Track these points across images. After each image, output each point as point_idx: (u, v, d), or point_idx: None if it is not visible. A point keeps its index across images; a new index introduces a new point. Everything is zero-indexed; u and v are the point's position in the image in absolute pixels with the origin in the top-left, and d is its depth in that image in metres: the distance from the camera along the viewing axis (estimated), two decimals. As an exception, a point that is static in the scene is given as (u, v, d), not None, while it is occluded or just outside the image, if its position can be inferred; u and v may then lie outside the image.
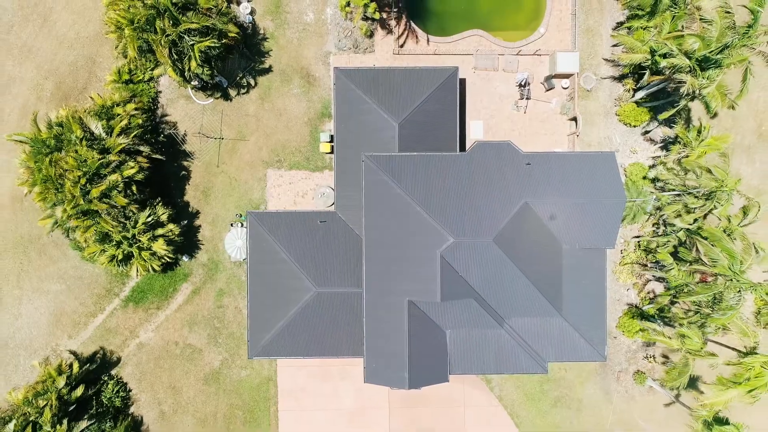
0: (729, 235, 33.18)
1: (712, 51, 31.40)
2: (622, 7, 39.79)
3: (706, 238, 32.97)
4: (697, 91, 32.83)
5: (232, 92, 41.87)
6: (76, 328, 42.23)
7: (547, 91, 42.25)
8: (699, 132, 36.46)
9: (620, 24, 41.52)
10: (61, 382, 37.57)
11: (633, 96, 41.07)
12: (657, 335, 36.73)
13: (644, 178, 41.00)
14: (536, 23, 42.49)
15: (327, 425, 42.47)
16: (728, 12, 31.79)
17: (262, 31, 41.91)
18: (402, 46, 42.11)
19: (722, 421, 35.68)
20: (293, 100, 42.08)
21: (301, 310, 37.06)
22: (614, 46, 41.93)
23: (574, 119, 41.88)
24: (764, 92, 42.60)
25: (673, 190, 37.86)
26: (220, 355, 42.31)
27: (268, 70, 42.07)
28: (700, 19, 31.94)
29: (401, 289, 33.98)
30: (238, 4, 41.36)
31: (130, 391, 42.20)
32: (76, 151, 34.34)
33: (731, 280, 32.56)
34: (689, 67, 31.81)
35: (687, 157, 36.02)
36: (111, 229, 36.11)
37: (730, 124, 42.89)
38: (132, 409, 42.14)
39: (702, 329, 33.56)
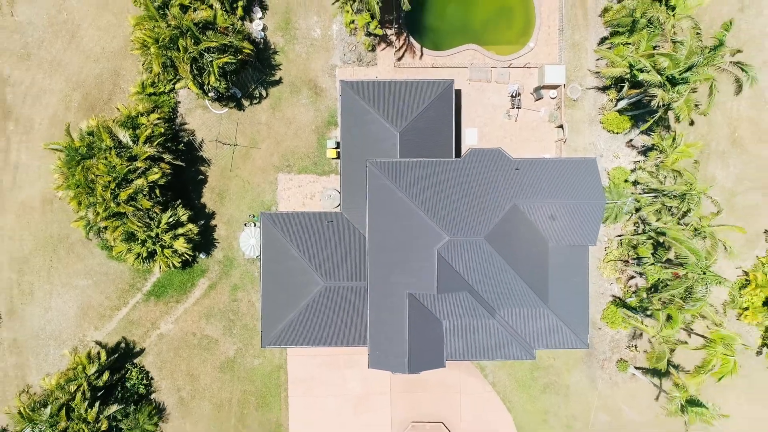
0: (698, 234, 36.59)
1: (680, 70, 34.86)
2: (605, 24, 43.23)
3: (676, 238, 36.42)
4: (668, 104, 36.23)
5: (246, 102, 45.35)
6: (101, 320, 45.73)
7: (536, 101, 45.71)
8: (673, 140, 39.92)
9: (604, 39, 44.98)
10: (92, 369, 41.07)
11: (615, 105, 44.52)
12: (636, 323, 40.18)
13: (626, 181, 44.46)
14: (526, 38, 45.95)
15: (334, 410, 45.93)
16: (698, 33, 35.23)
17: (273, 46, 45.39)
18: (402, 59, 45.57)
19: (695, 403, 39.10)
20: (302, 110, 45.56)
21: (310, 302, 40.51)
22: (598, 59, 45.39)
23: (561, 127, 45.33)
24: (737, 102, 46.02)
25: (651, 192, 41.33)
26: (235, 345, 45.80)
27: (279, 81, 45.55)
28: (672, 40, 35.33)
29: (402, 283, 37.47)
30: (251, 21, 44.84)
31: (151, 378, 45.70)
32: (106, 159, 37.83)
33: (699, 275, 35.97)
34: (660, 82, 35.27)
35: (663, 162, 39.46)
36: (137, 229, 39.62)
37: (705, 130, 46.36)
38: (154, 395, 45.63)
39: (675, 320, 36.99)
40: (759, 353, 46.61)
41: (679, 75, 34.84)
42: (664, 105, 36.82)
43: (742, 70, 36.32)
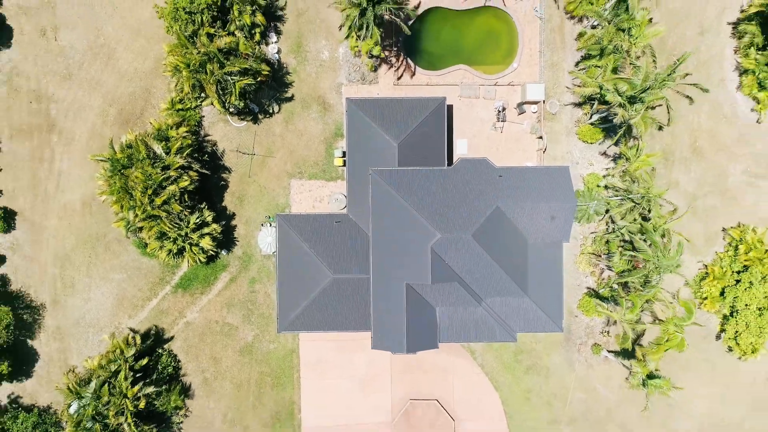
0: (656, 231, 42.52)
1: (637, 92, 40.73)
2: (578, 49, 49.16)
3: (634, 234, 42.28)
4: (628, 120, 42.10)
5: (262, 116, 51.25)
6: (134, 309, 51.64)
7: (519, 114, 51.61)
8: (637, 150, 45.82)
9: (579, 61, 50.85)
10: (129, 352, 46.92)
11: (589, 119, 50.40)
12: (604, 310, 46.13)
13: (598, 185, 50.35)
14: (510, 59, 51.85)
15: (341, 389, 51.76)
16: (654, 60, 41.12)
17: (286, 67, 51.29)
18: (400, 78, 51.45)
19: (654, 377, 44.99)
20: (312, 123, 51.48)
21: (320, 293, 46.40)
22: (574, 78, 51.26)
23: (542, 137, 51.22)
24: (696, 115, 51.85)
25: (619, 195, 47.24)
26: (253, 332, 51.68)
27: (291, 98, 51.46)
28: (632, 64, 41.19)
29: (400, 275, 43.35)
30: (267, 44, 50.74)
31: (179, 361, 51.58)
32: (144, 168, 43.72)
33: (654, 265, 41.89)
34: (620, 102, 41.16)
35: (627, 169, 45.35)
36: (169, 228, 45.49)
37: (669, 140, 52.21)
38: (181, 376, 51.49)
39: (635, 305, 42.88)
40: (718, 338, 52.51)
41: (637, 96, 40.71)
42: (623, 122, 42.70)
43: (700, 88, 42.21)
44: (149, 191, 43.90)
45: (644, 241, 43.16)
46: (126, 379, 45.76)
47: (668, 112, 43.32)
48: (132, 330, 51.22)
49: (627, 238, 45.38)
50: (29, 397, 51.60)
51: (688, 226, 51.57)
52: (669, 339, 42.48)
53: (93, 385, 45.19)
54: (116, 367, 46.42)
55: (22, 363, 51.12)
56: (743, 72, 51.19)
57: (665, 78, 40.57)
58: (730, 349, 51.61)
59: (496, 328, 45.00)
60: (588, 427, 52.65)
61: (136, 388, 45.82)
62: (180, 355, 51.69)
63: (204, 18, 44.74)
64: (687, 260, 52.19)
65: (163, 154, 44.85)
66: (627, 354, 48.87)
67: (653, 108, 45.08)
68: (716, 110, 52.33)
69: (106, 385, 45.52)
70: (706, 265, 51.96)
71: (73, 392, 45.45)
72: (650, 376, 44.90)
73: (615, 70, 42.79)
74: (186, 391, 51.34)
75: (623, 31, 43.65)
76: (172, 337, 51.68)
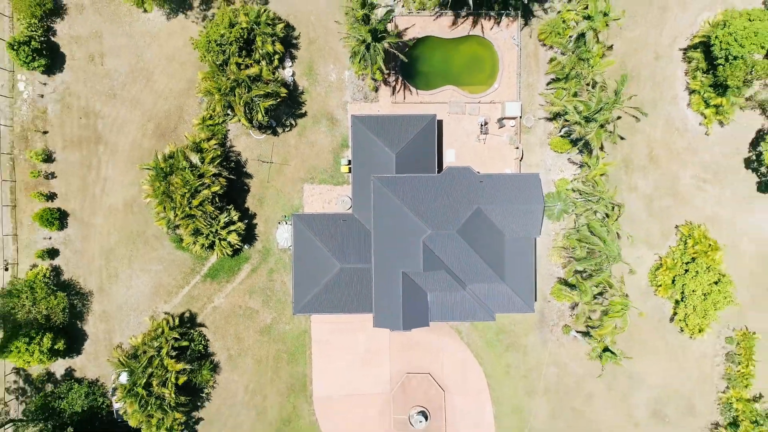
0: (603, 227, 51.10)
1: (590, 113, 49.24)
2: (547, 73, 57.71)
3: (591, 231, 50.87)
4: (584, 135, 50.59)
5: (279, 130, 59.73)
6: (169, 296, 60.11)
7: (500, 128, 60.11)
8: (597, 159, 54.34)
9: (550, 82, 59.36)
10: (171, 334, 55.34)
11: (559, 132, 58.89)
12: (567, 294, 54.67)
13: (567, 189, 58.85)
14: (492, 81, 60.35)
15: (347, 364, 60.18)
16: (603, 87, 49.64)
17: (300, 87, 59.79)
18: (398, 97, 59.94)
19: (608, 350, 53.54)
20: (321, 136, 59.99)
21: (330, 280, 54.84)
22: (545, 98, 59.75)
23: (519, 148, 59.71)
24: (653, 129, 60.34)
25: (582, 197, 55.77)
26: (271, 315, 60.15)
27: (304, 114, 59.95)
28: (588, 90, 49.65)
29: (397, 264, 51.84)
30: (284, 69, 59.24)
31: (208, 340, 60.03)
32: (183, 175, 52.22)
33: (604, 255, 50.48)
34: (577, 120, 49.65)
35: (587, 175, 53.88)
36: (203, 226, 54.00)
37: (629, 150, 60.70)
38: (210, 354, 59.94)
39: (588, 290, 51.45)
40: (671, 320, 61.00)
41: (591, 116, 49.20)
42: (582, 137, 51.23)
43: (640, 111, 50.69)
44: (187, 195, 52.39)
45: (596, 236, 51.72)
46: (168, 355, 54.26)
47: (614, 130, 51.87)
48: (167, 314, 59.65)
49: (586, 233, 53.91)
50: (80, 371, 60.10)
51: (647, 223, 60.42)
52: (613, 315, 51.01)
53: (143, 359, 53.62)
54: (159, 344, 54.90)
55: (73, 342, 59.60)
56: (692, 91, 59.69)
57: (614, 101, 49.11)
58: (681, 330, 60.07)
59: (478, 310, 53.52)
60: (559, 397, 61.11)
61: (179, 365, 54.33)
62: (208, 335, 60.16)
63: (233, 49, 53.24)
64: (645, 253, 60.87)
65: (199, 164, 53.37)
66: (590, 334, 57.32)
67: (608, 123, 53.49)
68: (670, 124, 60.86)
69: (152, 359, 53.97)
70: (660, 257, 60.48)
71: (124, 364, 53.92)
72: (605, 349, 53.44)
73: (576, 93, 51.27)
74: (214, 366, 59.79)
75: (583, 60, 52.18)
76: (201, 319, 60.10)
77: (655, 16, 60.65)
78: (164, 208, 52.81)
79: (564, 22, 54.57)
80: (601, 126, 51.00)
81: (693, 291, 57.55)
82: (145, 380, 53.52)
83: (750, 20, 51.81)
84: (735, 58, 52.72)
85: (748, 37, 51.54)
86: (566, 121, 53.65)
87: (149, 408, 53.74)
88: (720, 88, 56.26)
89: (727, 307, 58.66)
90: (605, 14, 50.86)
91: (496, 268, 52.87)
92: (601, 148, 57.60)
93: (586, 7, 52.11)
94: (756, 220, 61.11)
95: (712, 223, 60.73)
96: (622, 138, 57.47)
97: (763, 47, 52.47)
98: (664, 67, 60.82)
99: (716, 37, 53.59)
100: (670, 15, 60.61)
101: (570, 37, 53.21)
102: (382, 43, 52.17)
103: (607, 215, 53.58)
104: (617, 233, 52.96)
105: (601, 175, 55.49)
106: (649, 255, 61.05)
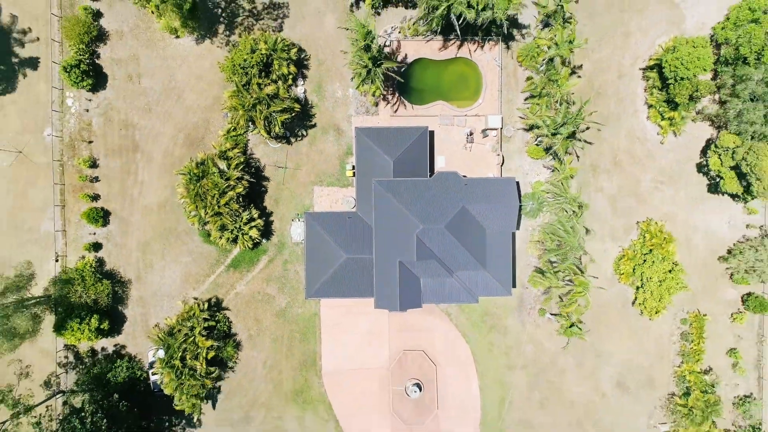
0: (567, 223, 60.39)
1: (557, 126, 58.48)
2: (522, 91, 66.98)
3: (559, 229, 60.22)
4: (551, 145, 59.87)
5: (293, 140, 68.95)
6: (197, 283, 69.32)
7: (484, 137, 69.31)
8: (563, 164, 63.55)
9: (527, 98, 68.57)
10: (201, 315, 64.56)
11: (534, 141, 68.10)
12: (540, 280, 63.92)
13: (541, 190, 68.05)
14: (477, 96, 69.55)
15: (351, 343, 69.34)
16: (568, 105, 58.88)
17: (310, 103, 69.01)
18: (395, 111, 69.15)
19: (573, 326, 62.84)
20: (329, 144, 69.22)
21: (337, 269, 64.00)
22: (526, 108, 68.98)
23: (500, 155, 68.92)
24: (617, 138, 69.51)
25: (554, 197, 65.01)
26: (286, 300, 69.37)
27: (314, 125, 69.15)
28: (554, 106, 58.91)
29: (395, 254, 61.05)
30: (296, 87, 68.46)
31: (231, 322, 69.24)
32: (213, 179, 61.46)
33: (569, 247, 59.73)
34: (545, 133, 58.84)
35: (556, 179, 63.13)
36: (228, 222, 63.22)
37: (596, 156, 69.90)
38: (233, 334, 69.16)
39: (554, 276, 60.68)
40: (633, 304, 70.17)
41: (557, 129, 58.46)
42: (550, 146, 60.53)
43: (598, 125, 59.92)
44: (216, 195, 61.64)
45: (562, 230, 61.03)
46: (200, 333, 63.54)
47: (581, 140, 61.23)
48: (195, 299, 68.89)
49: (555, 227, 63.20)
50: (120, 348, 69.32)
51: (612, 220, 69.68)
52: (576, 294, 60.38)
53: (178, 336, 62.85)
54: (191, 324, 64.15)
55: (114, 323, 68.81)
56: (650, 106, 68.91)
57: (575, 117, 58.38)
58: (641, 313, 69.31)
59: (463, 293, 62.78)
60: (536, 372, 70.30)
61: (208, 342, 63.61)
62: (232, 317, 69.38)
63: (254, 71, 62.48)
64: (610, 246, 70.12)
65: (225, 169, 62.64)
66: (562, 315, 66.57)
67: (574, 134, 62.73)
68: (631, 134, 70.06)
69: (186, 337, 63.22)
70: (623, 249, 69.69)
71: (162, 341, 63.15)
72: (571, 325, 62.73)
73: (546, 108, 60.59)
74: (237, 344, 69.01)
75: (552, 81, 61.45)
76: (226, 304, 69.33)
77: (619, 40, 69.88)
78: (196, 207, 61.99)
79: (538, 47, 63.84)
80: (568, 137, 60.21)
81: (650, 278, 66.80)
82: (180, 354, 62.74)
83: (694, 47, 61.02)
84: (682, 78, 61.93)
85: (692, 61, 60.77)
86: (539, 132, 62.89)
87: (183, 377, 62.96)
88: (672, 103, 65.50)
89: (681, 292, 68.09)
90: (570, 42, 60.04)
91: (479, 258, 62.10)
92: (572, 154, 66.99)
93: (556, 35, 61.35)
94: (706, 218, 70.36)
95: (668, 220, 69.99)
96: (589, 143, 66.76)
97: (705, 70, 61.70)
98: (627, 85, 70.04)
99: (666, 60, 62.84)
100: (632, 39, 69.85)
101: (543, 60, 62.43)
102: (381, 67, 61.37)
103: (574, 212, 62.81)
104: (584, 228, 62.22)
105: (570, 177, 64.72)
106: (614, 247, 70.29)
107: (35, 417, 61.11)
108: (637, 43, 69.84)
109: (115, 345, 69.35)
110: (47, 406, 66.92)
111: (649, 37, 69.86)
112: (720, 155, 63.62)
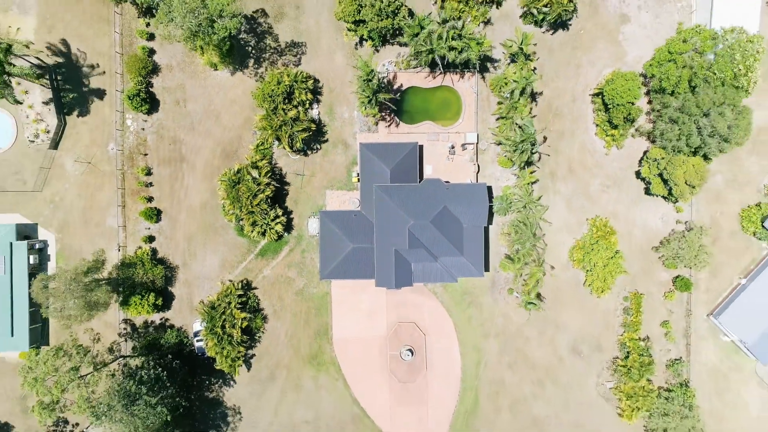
0: (527, 219, 76.95)
1: (516, 144, 75.04)
2: (493, 114, 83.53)
3: (521, 224, 76.85)
4: (512, 157, 76.46)
5: (309, 152, 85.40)
6: (232, 268, 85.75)
7: (463, 150, 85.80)
8: (525, 173, 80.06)
9: (497, 119, 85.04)
10: (236, 293, 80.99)
11: (503, 154, 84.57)
12: (508, 265, 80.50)
13: (509, 193, 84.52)
14: (457, 117, 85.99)
15: (356, 316, 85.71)
16: (526, 126, 75.60)
17: (323, 122, 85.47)
18: (392, 129, 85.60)
19: (532, 302, 79.51)
20: (338, 156, 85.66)
21: (345, 255, 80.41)
22: (496, 128, 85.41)
23: (477, 164, 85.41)
24: (572, 150, 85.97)
25: (517, 198, 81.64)
26: (303, 281, 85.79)
27: (326, 141, 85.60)
28: (515, 127, 75.52)
29: (391, 244, 77.57)
30: (312, 109, 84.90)
31: (259, 299, 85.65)
32: (247, 184, 77.91)
33: (527, 237, 76.39)
34: (507, 149, 75.37)
35: (518, 184, 79.69)
36: (259, 219, 79.63)
37: (555, 165, 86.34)
38: (260, 309, 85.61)
39: (517, 261, 77.31)
40: (584, 284, 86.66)
41: (516, 146, 75.04)
42: (512, 158, 77.11)
43: (548, 145, 76.57)
44: (250, 197, 78.11)
45: (523, 224, 77.68)
46: (236, 308, 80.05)
47: (534, 152, 78.03)
48: (230, 281, 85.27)
49: (518, 222, 79.83)
50: (170, 321, 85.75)
51: (567, 217, 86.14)
52: (532, 277, 77.14)
53: (219, 309, 79.30)
54: (228, 300, 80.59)
55: (165, 300, 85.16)
56: (597, 124, 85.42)
57: (529, 137, 74.99)
58: (591, 292, 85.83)
59: (446, 275, 79.30)
60: (505, 339, 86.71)
61: (242, 315, 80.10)
62: (260, 295, 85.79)
63: (279, 99, 78.92)
64: (566, 238, 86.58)
65: (257, 176, 79.13)
66: (524, 293, 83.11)
67: (532, 150, 79.32)
68: (583, 147, 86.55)
69: (225, 310, 79.71)
70: (576, 240, 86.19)
71: (207, 313, 79.57)
72: (529, 301, 79.47)
73: (509, 129, 77.17)
74: (264, 317, 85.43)
75: (515, 107, 78.04)
76: (255, 285, 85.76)
77: (572, 72, 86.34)
78: (234, 206, 78.45)
79: (505, 79, 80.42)
80: (524, 151, 76.86)
81: (596, 264, 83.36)
82: (220, 324, 79.16)
83: (626, 80, 77.55)
84: (617, 105, 78.49)
85: (624, 91, 77.30)
86: (503, 148, 79.55)
87: (223, 342, 79.36)
88: (613, 123, 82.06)
89: (621, 275, 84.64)
90: (527, 78, 76.62)
91: (457, 247, 78.61)
92: (533, 164, 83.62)
93: (517, 71, 77.96)
94: (643, 215, 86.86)
95: (613, 217, 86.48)
96: (547, 155, 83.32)
97: (635, 98, 78.18)
98: (579, 107, 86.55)
99: (606, 90, 79.43)
100: (582, 71, 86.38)
101: (507, 91, 79.01)
102: (380, 95, 77.91)
103: (531, 210, 79.40)
104: (540, 223, 78.96)
105: (531, 183, 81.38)
106: (569, 239, 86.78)
107: (109, 371, 77.43)
108: (587, 73, 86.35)
109: (161, 318, 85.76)
110: (112, 368, 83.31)
111: (596, 68, 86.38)
112: (650, 165, 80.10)
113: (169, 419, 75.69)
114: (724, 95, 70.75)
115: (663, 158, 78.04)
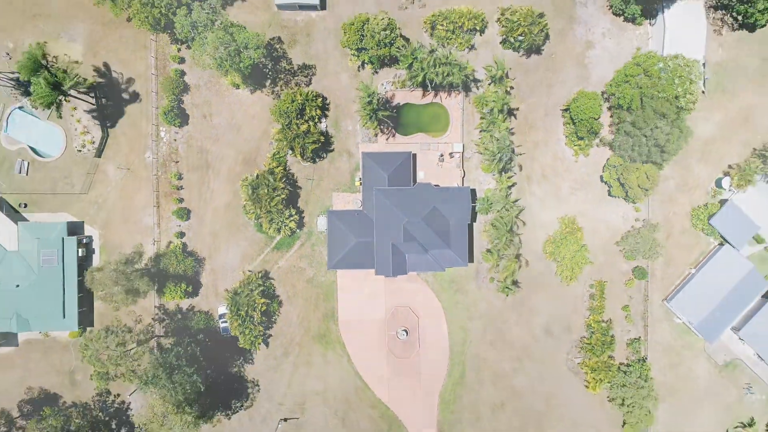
0: (503, 217, 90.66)
1: (493, 155, 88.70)
2: (476, 127, 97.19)
3: (499, 221, 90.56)
4: (491, 165, 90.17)
5: (318, 160, 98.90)
6: (251, 260, 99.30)
7: (451, 158, 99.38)
8: (503, 178, 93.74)
9: (480, 131, 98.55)
10: (256, 281, 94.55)
11: (485, 161, 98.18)
12: (488, 257, 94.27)
13: (490, 195, 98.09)
14: (446, 129, 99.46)
15: (358, 301, 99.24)
16: (504, 138, 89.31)
17: (330, 134, 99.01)
18: (389, 140, 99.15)
19: (509, 286, 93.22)
20: (343, 163, 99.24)
21: (350, 248, 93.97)
22: (479, 139, 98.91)
23: (463, 170, 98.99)
24: (545, 157, 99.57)
25: (497, 199, 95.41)
26: (313, 271, 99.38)
27: (332, 150, 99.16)
28: (493, 140, 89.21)
29: (389, 238, 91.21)
30: (320, 123, 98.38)
31: (275, 287, 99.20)
32: (267, 188, 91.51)
33: (503, 232, 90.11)
34: (486, 159, 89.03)
35: (496, 187, 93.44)
36: (275, 218, 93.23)
37: (531, 171, 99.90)
38: (276, 295, 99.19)
39: (495, 253, 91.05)
40: (555, 273, 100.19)
41: (494, 155, 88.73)
42: (491, 166, 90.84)
43: (519, 157, 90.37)
44: (268, 199, 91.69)
45: (501, 222, 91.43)
46: (257, 294, 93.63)
47: (512, 160, 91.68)
48: (250, 271, 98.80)
49: (496, 220, 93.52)
50: (197, 306, 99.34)
51: (541, 215, 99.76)
52: (507, 268, 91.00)
53: (243, 295, 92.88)
54: (250, 287, 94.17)
55: (194, 288, 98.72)
56: (566, 135, 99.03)
57: (506, 148, 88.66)
58: (561, 280, 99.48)
59: (435, 264, 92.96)
60: (488, 321, 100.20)
61: (261, 300, 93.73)
62: (275, 284, 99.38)
63: (293, 115, 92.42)
64: (540, 234, 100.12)
65: (273, 181, 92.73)
66: (501, 281, 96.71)
67: (507, 160, 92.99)
68: (555, 155, 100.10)
69: (247, 296, 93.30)
70: (548, 236, 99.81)
71: (231, 298, 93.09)
72: (506, 286, 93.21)
73: (488, 140, 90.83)
74: (279, 302, 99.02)
75: (493, 123, 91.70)
76: (271, 275, 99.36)
77: (545, 90, 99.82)
78: (254, 207, 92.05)
79: (485, 98, 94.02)
80: (500, 160, 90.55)
81: (565, 256, 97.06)
82: (244, 308, 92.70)
83: (588, 99, 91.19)
84: (581, 119, 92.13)
85: (587, 109, 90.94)
86: (483, 158, 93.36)
87: (245, 324, 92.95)
88: (578, 135, 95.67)
89: (587, 266, 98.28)
90: (503, 100, 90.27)
91: (445, 241, 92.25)
92: (509, 170, 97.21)
93: (496, 91, 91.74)
94: (607, 214, 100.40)
95: (581, 215, 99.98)
96: (521, 164, 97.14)
97: (597, 114, 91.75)
98: (551, 121, 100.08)
99: (571, 107, 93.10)
100: (553, 89, 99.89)
101: (487, 109, 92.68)
102: (380, 113, 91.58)
103: (507, 210, 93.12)
104: (515, 220, 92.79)
105: (509, 186, 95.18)
106: (543, 234, 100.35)
107: (150, 347, 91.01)
108: (558, 92, 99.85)
109: (188, 305, 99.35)
110: (151, 344, 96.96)
111: (566, 87, 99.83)
112: (610, 171, 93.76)
113: (202, 389, 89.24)
114: (662, 111, 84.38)
115: (620, 165, 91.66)
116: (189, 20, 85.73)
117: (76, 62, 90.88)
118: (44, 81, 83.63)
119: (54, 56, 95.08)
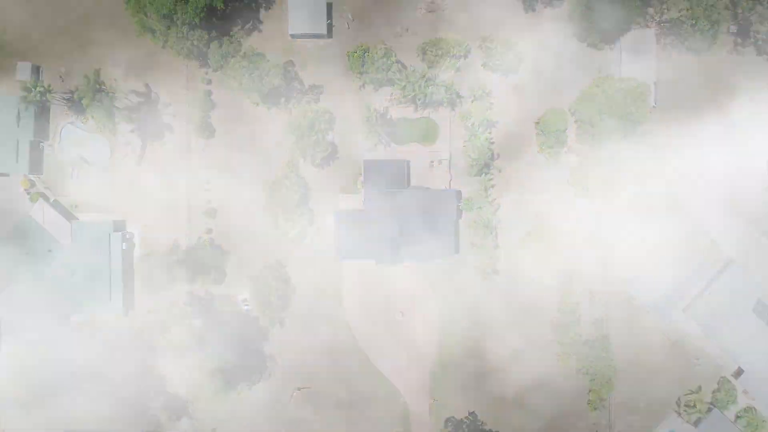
0: (486, 216, 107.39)
1: (474, 161, 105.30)
2: (462, 138, 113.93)
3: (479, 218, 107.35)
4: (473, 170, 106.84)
5: (327, 166, 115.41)
6: (271, 253, 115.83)
7: (440, 164, 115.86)
8: (485, 180, 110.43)
9: (466, 140, 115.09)
10: (276, 271, 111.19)
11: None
12: (472, 248, 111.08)
13: (473, 195, 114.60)
14: (435, 139, 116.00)
15: (362, 287, 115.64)
16: (486, 150, 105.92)
17: (337, 144, 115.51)
18: (387, 149, 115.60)
19: (491, 273, 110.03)
20: (348, 169, 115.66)
21: (354, 241, 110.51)
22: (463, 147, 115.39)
23: (450, 174, 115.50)
24: (522, 163, 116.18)
25: (481, 200, 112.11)
26: (321, 262, 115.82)
27: (338, 157, 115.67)
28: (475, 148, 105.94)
29: (387, 233, 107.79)
30: (328, 135, 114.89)
31: (289, 276, 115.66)
32: (282, 190, 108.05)
33: (483, 229, 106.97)
34: (469, 164, 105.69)
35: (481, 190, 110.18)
36: (290, 216, 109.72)
37: (512, 175, 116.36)
38: (292, 282, 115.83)
39: (481, 244, 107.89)
40: (532, 263, 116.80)
41: (476, 162, 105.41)
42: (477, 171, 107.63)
43: (498, 169, 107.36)
44: (284, 199, 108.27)
45: (480, 218, 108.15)
46: (275, 281, 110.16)
47: (497, 169, 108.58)
48: (269, 261, 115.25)
49: (479, 218, 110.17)
50: (224, 288, 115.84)
51: (518, 211, 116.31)
52: (489, 256, 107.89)
53: (263, 281, 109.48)
54: (271, 275, 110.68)
55: (220, 276, 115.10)
56: (539, 144, 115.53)
57: (483, 156, 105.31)
58: (535, 270, 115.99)
59: (428, 255, 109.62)
60: (475, 304, 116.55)
61: (280, 286, 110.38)
62: (289, 271, 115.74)
63: (305, 128, 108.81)
64: (518, 227, 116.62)
65: (290, 184, 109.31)
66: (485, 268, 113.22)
67: (487, 166, 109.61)
68: (529, 162, 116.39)
69: (266, 282, 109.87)
70: (526, 229, 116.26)
71: (253, 284, 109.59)
72: (488, 273, 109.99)
73: (471, 148, 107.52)
74: (293, 289, 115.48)
75: (475, 135, 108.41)
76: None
77: (521, 106, 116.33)
78: (272, 206, 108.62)
79: (469, 113, 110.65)
80: (481, 166, 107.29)
81: (538, 247, 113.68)
82: (265, 292, 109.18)
83: (555, 115, 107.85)
84: (550, 132, 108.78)
85: (554, 122, 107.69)
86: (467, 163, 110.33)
87: (265, 306, 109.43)
88: (547, 144, 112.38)
89: (557, 255, 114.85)
90: (483, 115, 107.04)
91: (435, 234, 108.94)
92: (488, 174, 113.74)
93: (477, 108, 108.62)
94: (577, 211, 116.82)
95: (551, 212, 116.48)
96: (499, 169, 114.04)
97: (564, 126, 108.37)
98: (527, 132, 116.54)
99: (541, 121, 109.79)
100: (528, 105, 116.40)
101: (470, 123, 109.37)
102: (378, 128, 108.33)
103: (481, 208, 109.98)
104: (492, 217, 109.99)
105: (488, 188, 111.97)
106: (520, 228, 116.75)
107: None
108: (531, 107, 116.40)
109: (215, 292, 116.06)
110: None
111: (540, 103, 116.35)
112: (575, 175, 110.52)
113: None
114: (618, 125, 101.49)
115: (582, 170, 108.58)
116: (220, 52, 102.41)
117: (116, 79, 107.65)
118: (101, 105, 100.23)
119: (103, 80, 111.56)
